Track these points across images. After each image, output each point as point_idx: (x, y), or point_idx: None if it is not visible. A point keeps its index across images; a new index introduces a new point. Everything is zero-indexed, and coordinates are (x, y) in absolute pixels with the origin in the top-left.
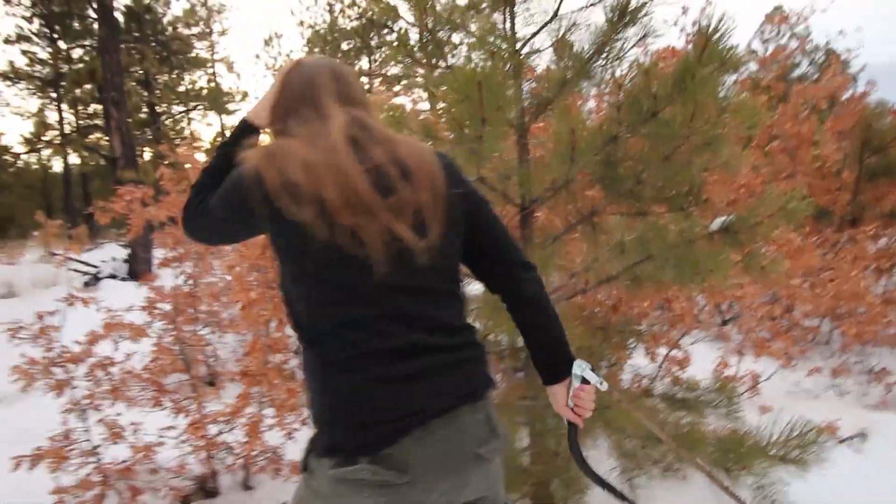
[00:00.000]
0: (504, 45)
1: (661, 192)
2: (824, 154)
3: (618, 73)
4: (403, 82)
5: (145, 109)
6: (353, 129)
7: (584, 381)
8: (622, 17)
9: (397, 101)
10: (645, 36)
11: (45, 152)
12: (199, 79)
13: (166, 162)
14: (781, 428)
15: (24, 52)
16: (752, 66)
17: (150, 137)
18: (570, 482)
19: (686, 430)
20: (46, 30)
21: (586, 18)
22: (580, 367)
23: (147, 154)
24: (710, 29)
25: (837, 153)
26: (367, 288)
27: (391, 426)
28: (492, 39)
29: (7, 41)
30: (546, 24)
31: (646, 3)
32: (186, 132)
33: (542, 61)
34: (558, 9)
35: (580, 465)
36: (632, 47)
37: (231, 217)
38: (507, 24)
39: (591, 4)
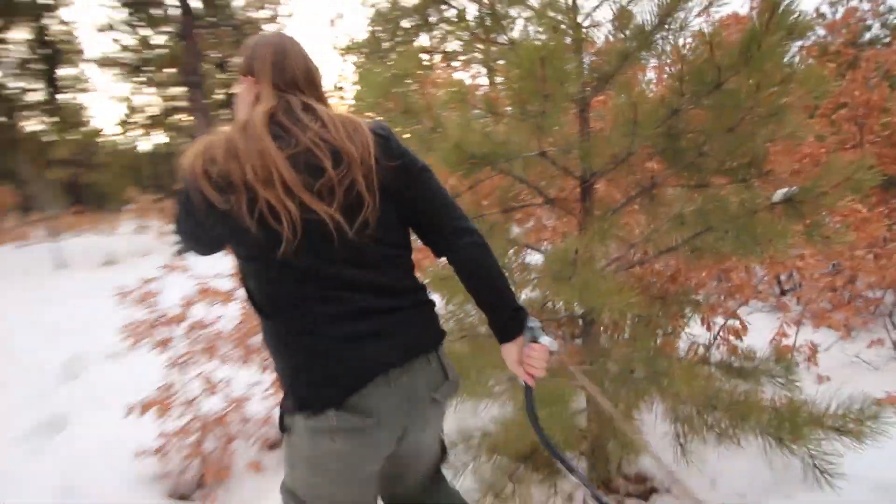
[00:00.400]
0: (565, 19)
1: (723, 164)
2: (895, 122)
3: (680, 44)
4: (462, 58)
5: (222, 90)
6: (278, 114)
7: (535, 340)
8: None
9: (457, 76)
10: (710, 5)
11: (135, 133)
12: None
13: None
14: (839, 399)
15: (114, 41)
16: (820, 31)
17: (229, 117)
18: (627, 443)
19: (741, 399)
20: (133, 18)
21: None
22: (531, 328)
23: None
24: None
25: None
26: (306, 264)
27: (350, 379)
28: (552, 14)
29: (100, 30)
30: None
31: None
32: None
33: (602, 34)
34: None
35: (535, 429)
36: (696, 17)
37: (187, 219)
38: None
39: None
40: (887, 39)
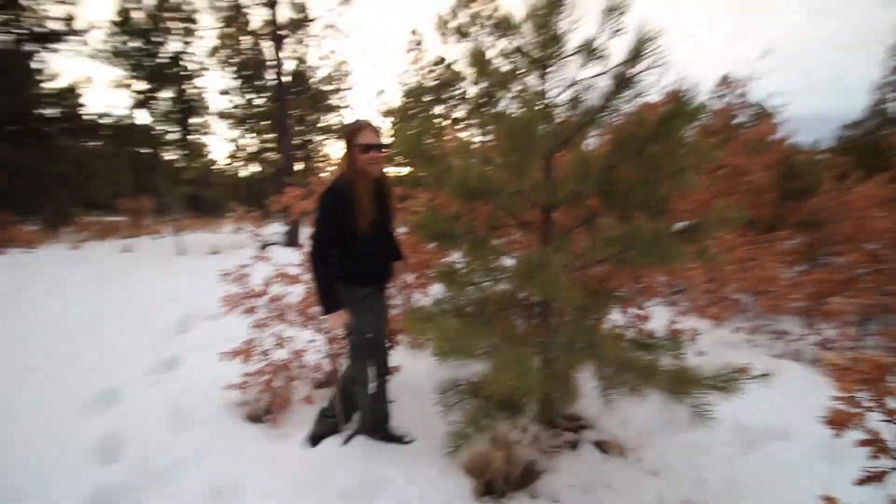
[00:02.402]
0: (537, 101)
1: (641, 204)
2: (754, 180)
3: (615, 121)
4: (465, 122)
5: (299, 138)
6: None
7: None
8: (622, 83)
9: (462, 135)
10: (637, 95)
11: (238, 164)
12: (332, 118)
13: (314, 173)
14: (712, 366)
15: (230, 101)
16: (708, 117)
17: (301, 156)
18: (567, 392)
19: (646, 365)
20: (243, 86)
21: (596, 83)
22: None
23: (299, 166)
24: (681, 94)
25: (764, 180)
26: None
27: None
28: (527, 97)
29: (221, 93)
30: (568, 87)
31: (639, 74)
32: (323, 154)
33: (563, 111)
34: (576, 77)
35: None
36: (627, 103)
37: None
38: (540, 87)
39: (600, 74)
40: (751, 124)
